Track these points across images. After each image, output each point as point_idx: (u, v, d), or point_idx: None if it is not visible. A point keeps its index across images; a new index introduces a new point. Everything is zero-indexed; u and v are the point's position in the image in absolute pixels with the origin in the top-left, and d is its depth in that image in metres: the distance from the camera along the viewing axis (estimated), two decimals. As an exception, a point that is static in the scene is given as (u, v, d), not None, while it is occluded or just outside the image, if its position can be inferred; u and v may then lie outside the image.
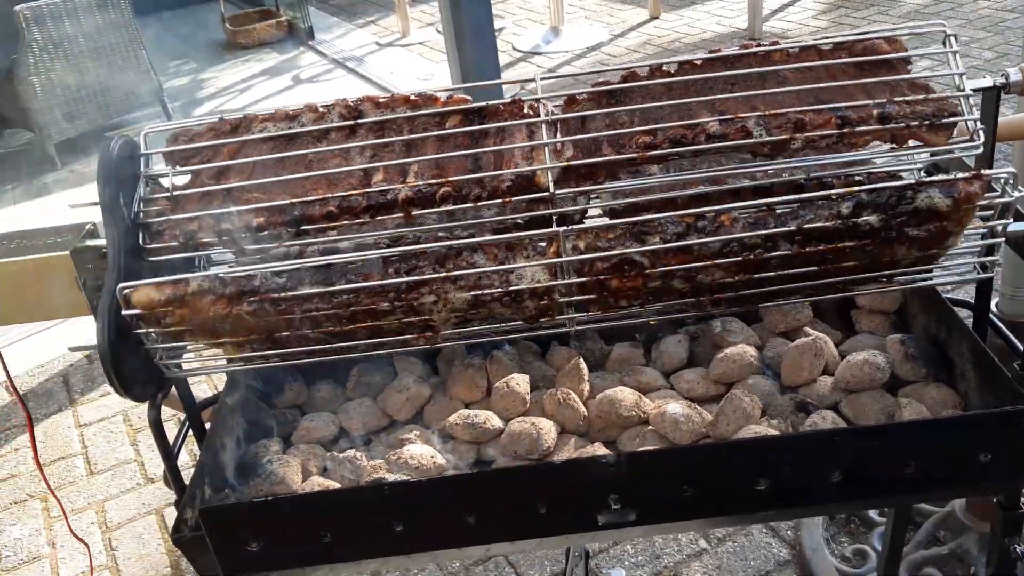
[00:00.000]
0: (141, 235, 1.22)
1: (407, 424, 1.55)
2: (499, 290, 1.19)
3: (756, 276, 1.18)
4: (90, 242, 1.27)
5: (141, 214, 1.23)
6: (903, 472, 1.15)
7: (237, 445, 1.49)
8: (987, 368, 1.32)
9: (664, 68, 1.33)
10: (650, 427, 1.44)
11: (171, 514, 2.97)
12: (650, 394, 1.50)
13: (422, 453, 1.40)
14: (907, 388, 1.44)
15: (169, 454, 1.28)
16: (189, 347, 1.26)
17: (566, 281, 1.18)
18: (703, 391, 1.51)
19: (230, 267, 1.24)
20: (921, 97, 1.22)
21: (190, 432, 1.48)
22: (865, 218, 1.17)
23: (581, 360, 1.52)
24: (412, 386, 1.56)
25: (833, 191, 1.22)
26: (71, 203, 1.28)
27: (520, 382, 1.50)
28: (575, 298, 1.19)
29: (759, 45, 1.34)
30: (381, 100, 1.29)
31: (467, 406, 1.54)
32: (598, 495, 1.13)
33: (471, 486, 1.13)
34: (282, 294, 1.18)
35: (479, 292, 1.19)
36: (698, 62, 1.34)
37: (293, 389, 1.61)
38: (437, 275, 1.20)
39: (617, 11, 7.50)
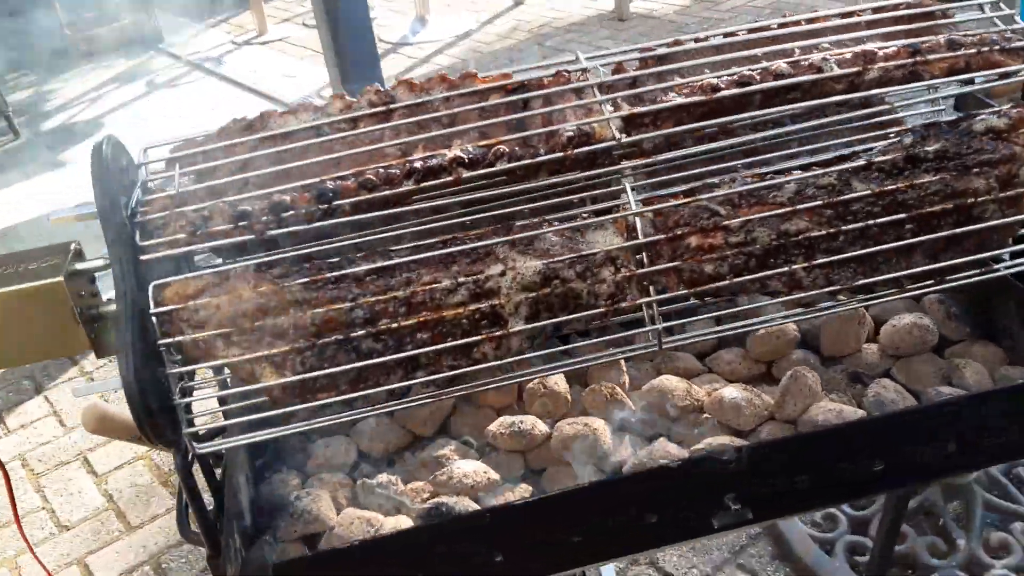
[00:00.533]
0: (138, 234, 1.04)
1: (434, 439, 1.41)
2: (571, 255, 1.07)
3: (844, 228, 1.10)
4: (80, 264, 1.07)
5: (138, 213, 1.05)
6: (1009, 434, 1.11)
7: (248, 482, 1.31)
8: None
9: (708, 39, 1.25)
10: (705, 415, 1.35)
11: (99, 563, 2.70)
12: (692, 380, 1.42)
13: (475, 470, 1.27)
14: (954, 348, 1.41)
15: (203, 508, 1.10)
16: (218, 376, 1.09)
17: (640, 241, 1.07)
18: (746, 371, 1.43)
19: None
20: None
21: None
22: (930, 147, 1.12)
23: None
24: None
25: (892, 129, 1.18)
26: (51, 215, 1.08)
27: (558, 380, 1.39)
28: (652, 268, 1.08)
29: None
30: (415, 82, 1.15)
31: (498, 413, 1.42)
32: (714, 495, 1.04)
33: (579, 502, 1.01)
34: (334, 273, 1.04)
35: (550, 260, 1.07)
36: (740, 34, 1.26)
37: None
38: (503, 238, 1.07)
39: (480, -2, 7.40)
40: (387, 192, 1.08)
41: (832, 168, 1.15)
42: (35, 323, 1.04)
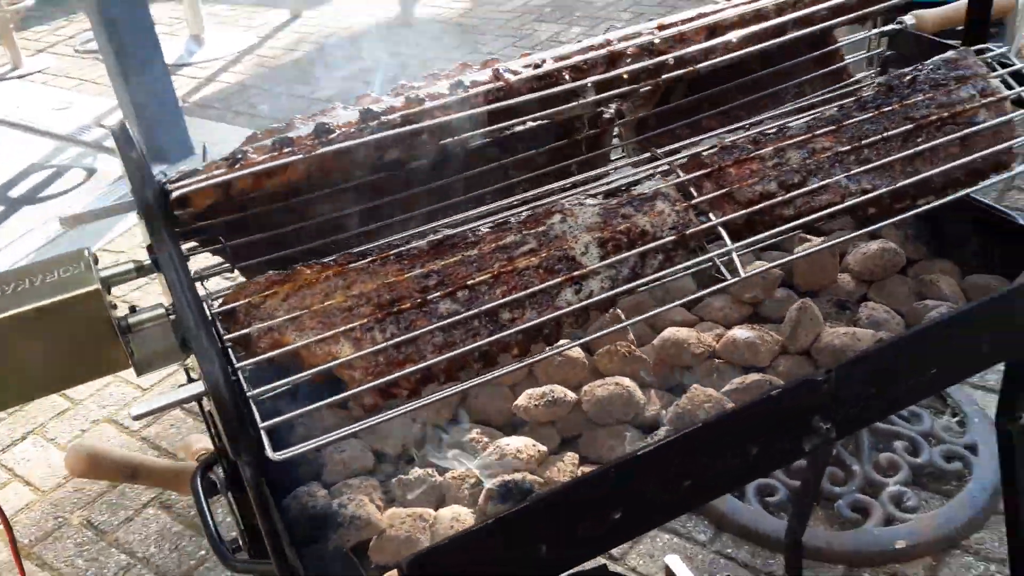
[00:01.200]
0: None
1: (448, 429, 1.34)
2: (624, 197, 1.06)
3: (865, 142, 1.15)
4: (109, 271, 0.93)
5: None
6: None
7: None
8: (991, 230, 1.43)
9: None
10: (720, 360, 1.37)
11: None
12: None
13: (524, 445, 1.22)
14: (915, 267, 1.51)
15: (275, 531, 0.98)
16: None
17: (684, 177, 1.08)
18: (737, 315, 1.47)
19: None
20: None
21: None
22: (904, 79, 1.22)
23: (620, 312, 1.41)
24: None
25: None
26: (60, 215, 0.93)
27: (572, 348, 1.36)
28: (706, 196, 1.09)
29: None
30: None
31: (511, 390, 1.37)
32: (803, 419, 1.05)
33: (690, 444, 0.99)
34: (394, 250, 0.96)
35: (605, 203, 1.05)
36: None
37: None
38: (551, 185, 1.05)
39: (255, 14, 7.14)
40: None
41: (831, 104, 1.21)
42: (71, 341, 0.89)
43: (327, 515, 1.15)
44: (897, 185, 1.12)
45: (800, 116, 1.23)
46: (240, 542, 1.20)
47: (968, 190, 1.19)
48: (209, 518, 1.16)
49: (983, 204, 1.48)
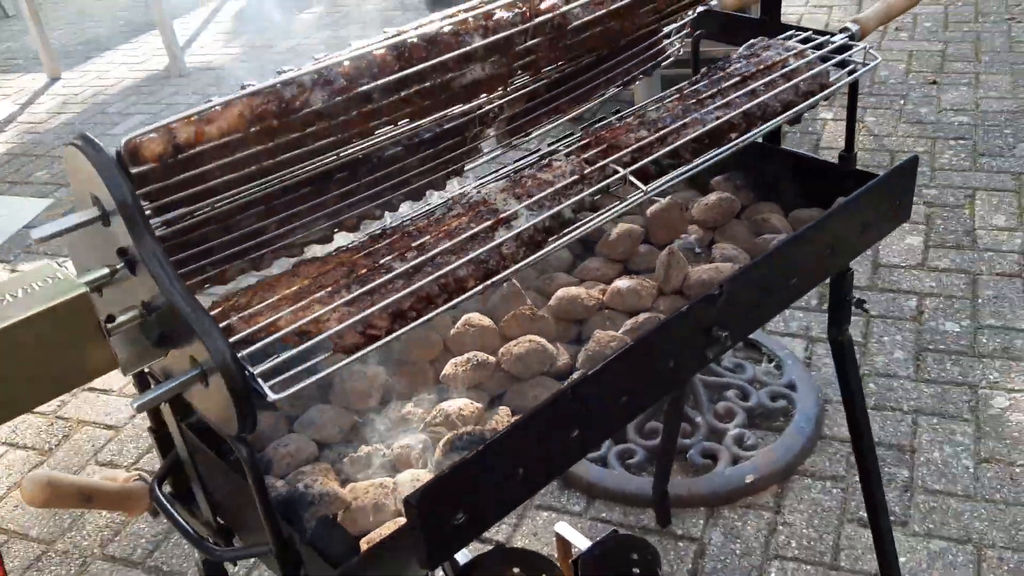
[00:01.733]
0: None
1: (380, 411, 1.43)
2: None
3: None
4: (88, 276, 0.96)
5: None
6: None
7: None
8: (803, 172, 1.70)
9: None
10: (608, 310, 1.54)
11: None
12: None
13: (463, 404, 1.33)
14: (745, 212, 1.76)
15: (271, 509, 1.04)
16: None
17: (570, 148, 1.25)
18: (612, 272, 1.65)
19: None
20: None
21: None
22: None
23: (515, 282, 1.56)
24: (366, 369, 1.44)
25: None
26: (34, 234, 0.96)
27: (480, 317, 1.49)
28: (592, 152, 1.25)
29: None
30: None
31: (431, 365, 1.48)
32: (707, 331, 1.23)
33: (635, 357, 1.14)
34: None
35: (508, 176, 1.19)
36: None
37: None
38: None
39: (7, 81, 6.75)
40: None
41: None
42: (61, 347, 0.92)
43: (294, 498, 1.21)
44: (744, 108, 1.34)
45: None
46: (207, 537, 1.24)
47: (801, 106, 1.42)
48: (183, 522, 1.20)
49: (795, 152, 1.75)
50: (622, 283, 1.54)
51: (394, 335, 1.04)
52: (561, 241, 1.20)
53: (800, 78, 1.41)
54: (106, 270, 0.98)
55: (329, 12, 7.23)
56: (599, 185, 1.21)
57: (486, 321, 1.49)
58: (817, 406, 2.92)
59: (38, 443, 3.23)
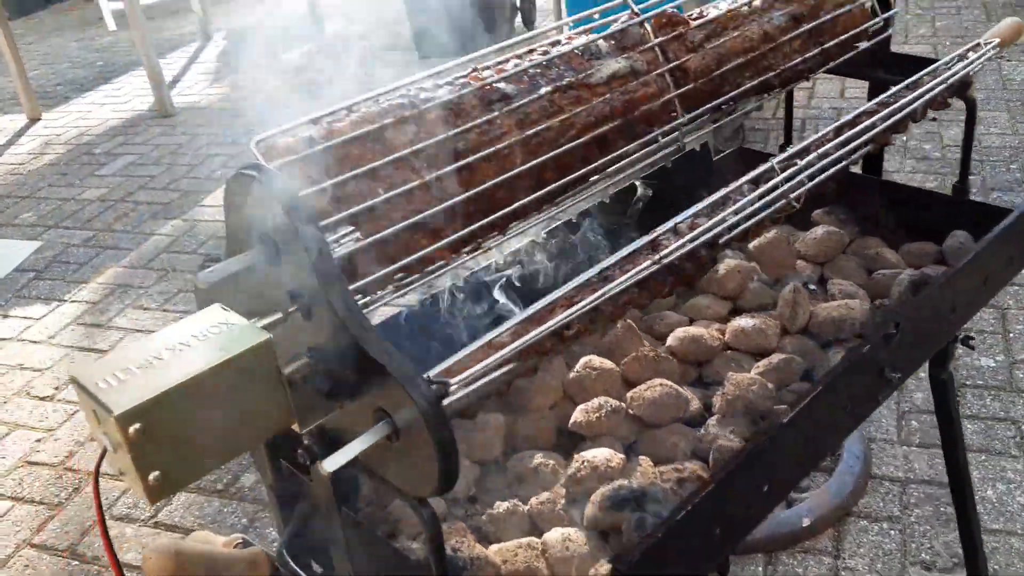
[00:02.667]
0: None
1: (502, 463, 1.33)
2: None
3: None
4: (261, 321, 0.86)
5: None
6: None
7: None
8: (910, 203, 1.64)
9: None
10: (730, 350, 1.46)
11: None
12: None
13: (608, 455, 1.23)
14: (851, 247, 1.69)
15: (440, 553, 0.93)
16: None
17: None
18: (723, 309, 1.57)
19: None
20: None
21: None
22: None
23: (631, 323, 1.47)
24: (488, 417, 1.34)
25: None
26: (200, 279, 0.86)
27: (601, 360, 1.40)
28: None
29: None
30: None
31: (551, 409, 1.38)
32: (878, 373, 1.16)
33: (820, 404, 1.06)
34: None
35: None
36: None
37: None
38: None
39: (-16, 122, 6.57)
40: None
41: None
42: (244, 400, 0.82)
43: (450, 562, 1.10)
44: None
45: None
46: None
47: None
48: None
49: (900, 184, 1.69)
50: (744, 322, 1.46)
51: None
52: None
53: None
54: (279, 315, 0.88)
55: (313, 52, 7.17)
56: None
57: (608, 364, 1.40)
58: (862, 443, 2.85)
59: (47, 496, 3.05)
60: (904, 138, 4.77)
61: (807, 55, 1.32)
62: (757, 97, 1.31)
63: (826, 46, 1.35)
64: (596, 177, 1.16)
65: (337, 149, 1.02)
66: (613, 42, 1.30)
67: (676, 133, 1.22)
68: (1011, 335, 3.32)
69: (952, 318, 1.33)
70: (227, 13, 8.49)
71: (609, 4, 1.34)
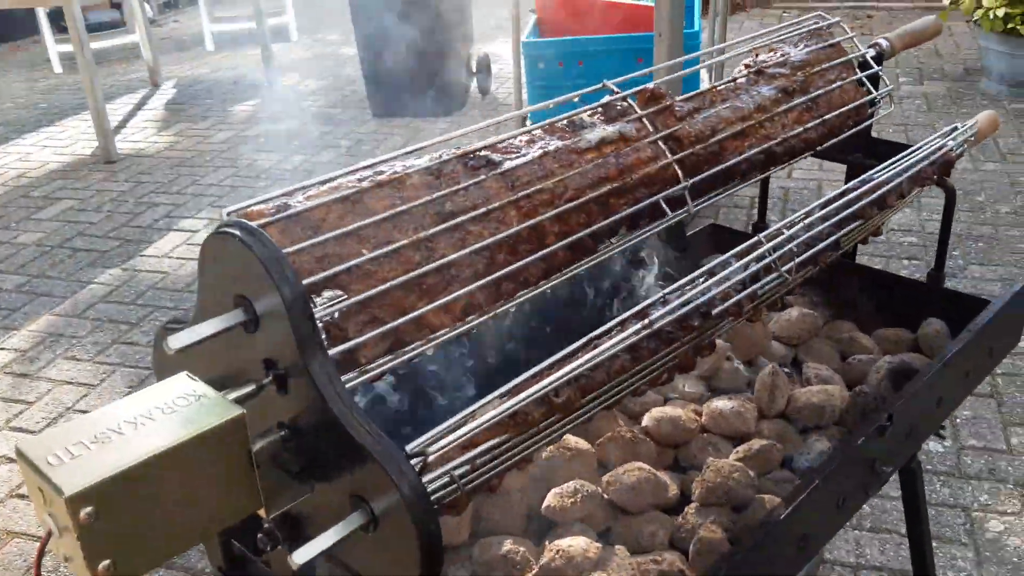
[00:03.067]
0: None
1: (471, 544, 1.25)
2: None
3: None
4: (232, 394, 0.78)
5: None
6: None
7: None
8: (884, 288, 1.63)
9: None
10: (706, 434, 1.41)
11: None
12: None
13: (584, 542, 1.16)
14: (824, 329, 1.66)
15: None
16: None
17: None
18: (701, 389, 1.52)
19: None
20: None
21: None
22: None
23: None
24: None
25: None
26: (170, 343, 0.78)
27: (576, 440, 1.33)
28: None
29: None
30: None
31: (521, 491, 1.31)
32: (869, 466, 1.11)
33: (804, 506, 1.00)
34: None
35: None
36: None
37: None
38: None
39: (-83, 159, 6.33)
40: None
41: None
42: (210, 480, 0.74)
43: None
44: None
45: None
46: None
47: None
48: None
49: (875, 269, 1.68)
50: (722, 404, 1.41)
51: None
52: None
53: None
54: (252, 387, 0.80)
55: (265, 106, 7.09)
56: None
57: (583, 444, 1.33)
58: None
59: (-42, 564, 2.85)
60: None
61: (807, 125, 1.30)
62: (763, 168, 1.28)
63: (826, 117, 1.33)
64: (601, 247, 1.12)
65: (314, 213, 0.95)
66: (599, 115, 1.26)
67: (685, 206, 1.17)
68: (958, 420, 3.34)
69: (937, 411, 1.30)
70: (178, 62, 8.41)
71: (589, 89, 1.31)
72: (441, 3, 6.02)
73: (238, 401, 0.78)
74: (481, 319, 0.92)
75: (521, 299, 0.96)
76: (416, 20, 5.89)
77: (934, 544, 2.80)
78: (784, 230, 1.20)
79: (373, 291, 0.85)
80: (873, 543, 2.81)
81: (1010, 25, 5.63)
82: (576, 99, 1.29)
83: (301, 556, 0.75)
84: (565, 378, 0.95)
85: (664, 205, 1.13)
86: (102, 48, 8.05)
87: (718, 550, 1.13)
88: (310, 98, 7.14)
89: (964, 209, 4.86)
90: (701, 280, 1.09)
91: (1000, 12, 5.60)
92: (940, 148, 1.39)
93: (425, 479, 0.79)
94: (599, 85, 1.27)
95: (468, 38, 6.50)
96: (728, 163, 1.19)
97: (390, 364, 0.85)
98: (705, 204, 1.19)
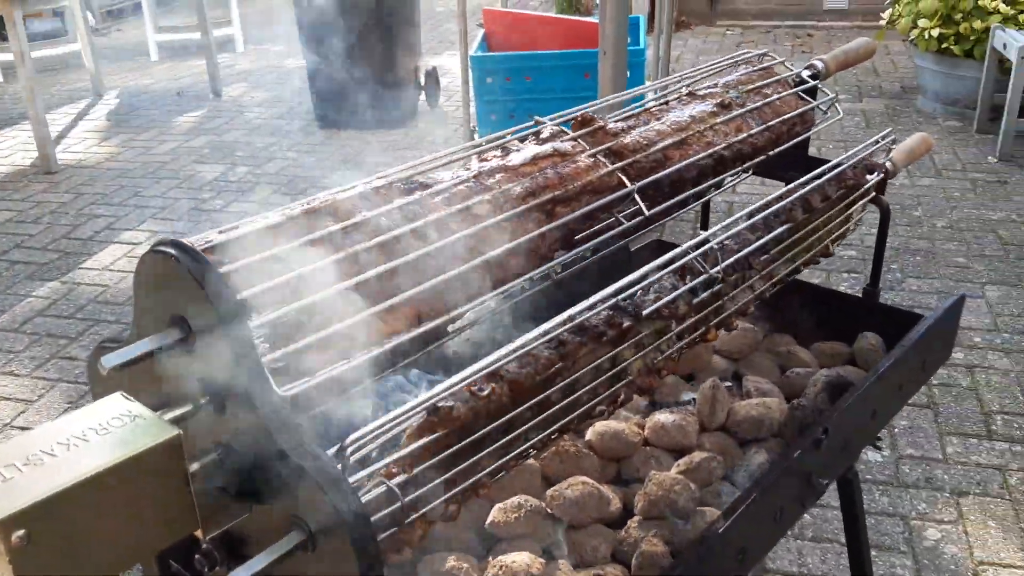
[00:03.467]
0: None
1: (413, 562, 1.24)
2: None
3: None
4: (172, 413, 0.77)
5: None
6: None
7: None
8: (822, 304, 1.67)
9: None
10: (649, 447, 1.43)
11: None
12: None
13: (528, 557, 1.17)
14: (764, 342, 1.69)
15: None
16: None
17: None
18: (638, 404, 1.54)
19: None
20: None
21: None
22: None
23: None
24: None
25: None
26: (105, 362, 0.77)
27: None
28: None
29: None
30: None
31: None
32: (805, 479, 1.13)
33: (754, 512, 1.02)
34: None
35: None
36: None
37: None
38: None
39: None
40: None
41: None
42: (143, 504, 0.73)
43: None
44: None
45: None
46: None
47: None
48: None
49: (813, 285, 1.72)
50: (664, 417, 1.43)
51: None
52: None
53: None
54: (189, 406, 0.79)
55: (210, 117, 7.01)
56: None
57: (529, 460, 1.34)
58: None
59: None
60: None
61: (753, 130, 1.32)
62: (715, 172, 1.30)
63: (771, 123, 1.36)
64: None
65: (253, 238, 0.94)
66: (530, 140, 1.26)
67: (634, 213, 1.18)
68: (896, 430, 3.41)
69: (872, 423, 1.33)
70: (122, 72, 8.28)
71: (524, 126, 1.31)
72: (389, 16, 6.02)
73: (175, 421, 0.77)
74: (432, 324, 0.93)
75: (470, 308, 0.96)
76: (364, 32, 5.89)
77: (874, 553, 2.85)
78: (710, 239, 1.23)
79: (308, 300, 0.84)
80: (815, 552, 2.86)
81: (944, 45, 5.79)
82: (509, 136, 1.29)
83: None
84: (482, 372, 0.95)
85: (619, 217, 1.15)
86: (43, 57, 7.90)
87: (660, 563, 1.14)
88: (256, 109, 7.08)
89: (902, 224, 4.97)
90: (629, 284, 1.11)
91: (935, 32, 5.75)
92: (862, 155, 1.44)
93: (363, 495, 0.79)
94: (531, 123, 1.27)
95: (416, 51, 6.50)
96: (675, 166, 1.21)
97: (330, 372, 0.84)
98: (670, 219, 1.21)
